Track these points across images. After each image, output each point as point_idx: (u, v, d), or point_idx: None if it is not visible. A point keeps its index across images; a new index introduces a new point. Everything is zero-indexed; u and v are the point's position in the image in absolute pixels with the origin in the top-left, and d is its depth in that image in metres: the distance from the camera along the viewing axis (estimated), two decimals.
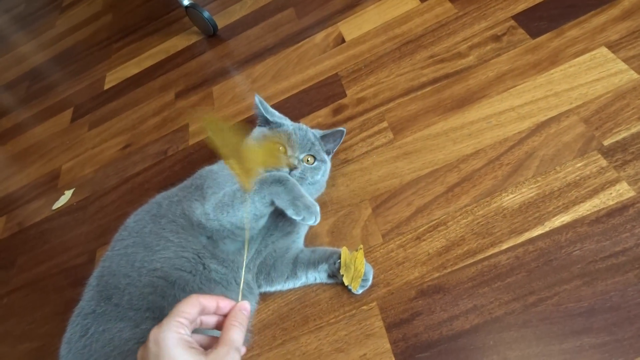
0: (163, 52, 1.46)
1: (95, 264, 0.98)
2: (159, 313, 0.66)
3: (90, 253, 1.01)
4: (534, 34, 0.92)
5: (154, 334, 0.47)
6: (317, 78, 1.09)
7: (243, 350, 0.51)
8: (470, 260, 0.70)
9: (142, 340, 0.64)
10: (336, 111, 1.00)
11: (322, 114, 1.01)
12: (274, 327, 0.75)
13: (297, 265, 0.75)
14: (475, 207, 0.75)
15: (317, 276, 0.75)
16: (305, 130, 0.85)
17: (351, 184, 0.86)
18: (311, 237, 0.82)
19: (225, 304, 0.52)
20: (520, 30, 0.93)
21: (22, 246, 1.13)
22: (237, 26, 1.38)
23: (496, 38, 0.95)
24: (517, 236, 0.69)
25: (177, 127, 1.18)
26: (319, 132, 0.87)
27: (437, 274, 0.70)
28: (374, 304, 0.71)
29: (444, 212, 0.76)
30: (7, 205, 1.26)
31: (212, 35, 1.38)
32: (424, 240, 0.74)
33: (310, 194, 0.79)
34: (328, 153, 0.88)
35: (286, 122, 0.87)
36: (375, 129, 0.92)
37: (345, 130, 0.87)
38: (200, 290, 0.70)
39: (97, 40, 1.71)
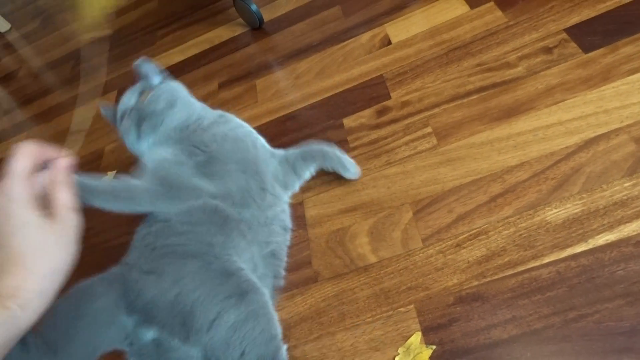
0: (207, 42, 1.48)
1: None
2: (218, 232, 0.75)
3: (130, 235, 1.04)
4: (586, 49, 0.91)
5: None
6: (361, 78, 1.10)
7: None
8: (511, 272, 0.70)
9: (195, 256, 0.72)
10: (380, 113, 1.01)
11: (366, 115, 1.02)
12: (311, 321, 0.77)
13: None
14: (518, 219, 0.75)
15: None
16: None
17: (392, 186, 0.87)
18: (350, 237, 0.84)
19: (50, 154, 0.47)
20: (572, 44, 0.93)
21: None
22: (282, 20, 1.39)
23: (547, 50, 0.94)
24: (560, 251, 0.70)
25: None
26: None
27: (476, 282, 0.71)
28: (412, 306, 0.72)
29: (485, 222, 0.77)
30: None
31: (258, 28, 1.40)
32: (464, 247, 0.75)
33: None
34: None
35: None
36: (419, 133, 0.93)
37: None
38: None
39: (142, 25, 1.75)
